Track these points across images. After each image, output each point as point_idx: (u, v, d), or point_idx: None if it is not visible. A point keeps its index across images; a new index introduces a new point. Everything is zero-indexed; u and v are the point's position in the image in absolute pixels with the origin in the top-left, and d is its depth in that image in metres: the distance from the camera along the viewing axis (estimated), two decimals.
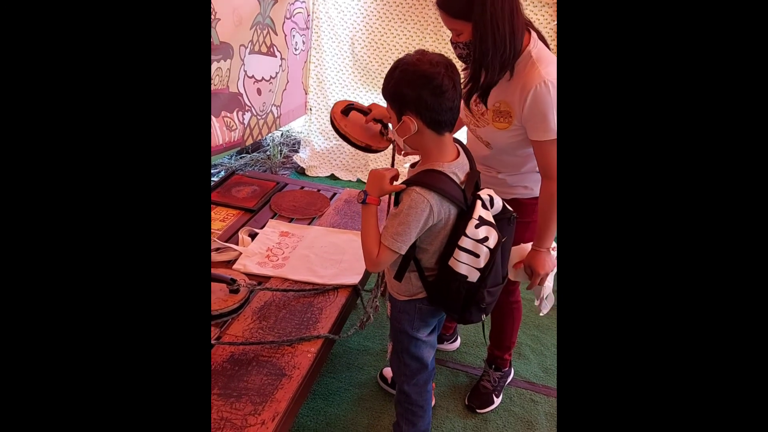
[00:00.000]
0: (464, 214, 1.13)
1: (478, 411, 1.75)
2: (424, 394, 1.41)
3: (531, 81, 1.20)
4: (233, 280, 1.43)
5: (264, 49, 2.54)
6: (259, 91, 2.57)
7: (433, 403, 1.76)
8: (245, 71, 2.40)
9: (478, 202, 1.13)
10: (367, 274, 1.65)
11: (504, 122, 1.30)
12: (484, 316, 1.25)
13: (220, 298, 1.42)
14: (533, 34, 1.26)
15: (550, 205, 1.29)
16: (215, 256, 1.63)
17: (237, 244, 1.71)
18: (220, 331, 1.35)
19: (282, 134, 3.80)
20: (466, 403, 1.77)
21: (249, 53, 2.39)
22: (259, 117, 2.60)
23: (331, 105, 3.28)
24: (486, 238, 1.11)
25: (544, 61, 1.22)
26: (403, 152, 1.27)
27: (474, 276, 1.14)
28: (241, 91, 2.41)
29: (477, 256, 1.12)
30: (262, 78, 2.58)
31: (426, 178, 1.12)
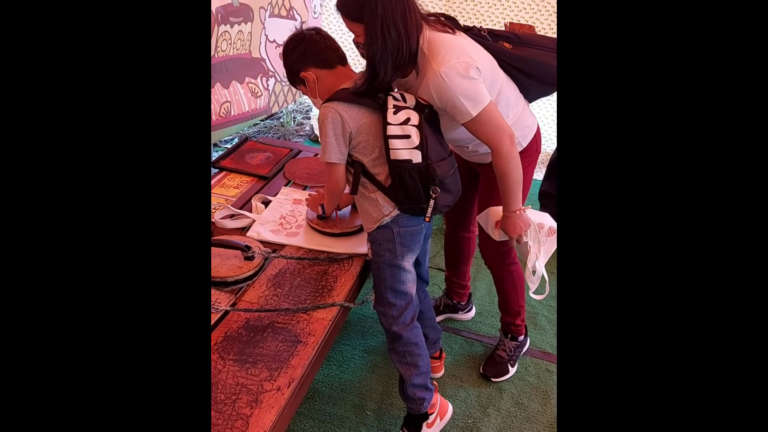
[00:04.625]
0: (382, 110, 1.25)
1: (492, 380, 1.75)
2: (414, 330, 1.41)
3: (429, 77, 1.24)
4: (248, 247, 1.42)
5: (284, 12, 2.47)
6: (281, 56, 2.51)
7: (442, 372, 1.76)
8: (266, 35, 2.34)
9: (390, 96, 1.25)
10: None
11: None
12: (452, 198, 1.32)
13: (235, 265, 1.41)
14: (425, 27, 1.25)
15: (501, 174, 1.32)
16: (229, 223, 1.62)
17: (250, 211, 1.70)
18: (235, 298, 1.35)
19: (295, 101, 3.75)
20: (481, 371, 1.77)
21: (269, 16, 2.32)
22: (283, 83, 2.55)
23: None
24: (408, 119, 1.23)
25: (434, 51, 1.23)
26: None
27: (416, 156, 1.24)
28: (264, 56, 2.36)
29: (408, 137, 1.23)
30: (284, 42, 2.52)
31: (332, 96, 1.27)
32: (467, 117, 1.25)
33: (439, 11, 1.38)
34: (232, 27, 2.06)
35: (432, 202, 1.28)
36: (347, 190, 1.41)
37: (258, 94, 2.33)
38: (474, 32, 1.39)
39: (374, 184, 1.31)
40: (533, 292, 1.53)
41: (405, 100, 1.26)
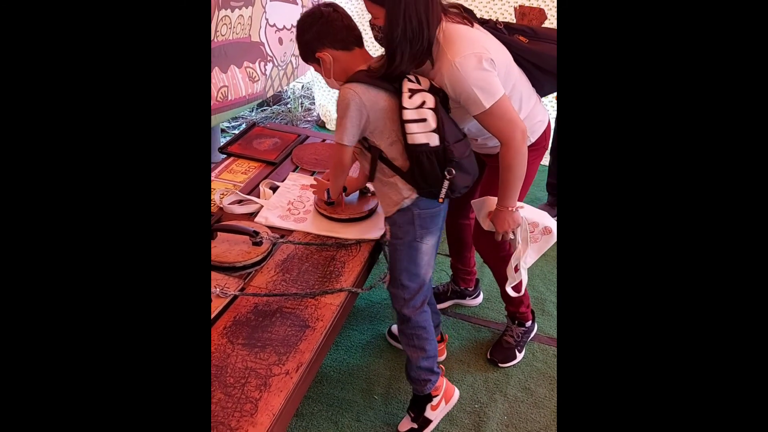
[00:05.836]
0: (397, 94, 1.23)
1: (500, 365, 1.75)
2: (424, 315, 1.43)
3: (444, 67, 1.23)
4: (256, 233, 1.43)
5: None
6: (280, 41, 2.48)
7: (444, 356, 1.77)
8: (267, 19, 2.31)
9: (405, 80, 1.23)
10: None
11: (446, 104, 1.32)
12: (470, 179, 1.32)
13: (243, 250, 1.42)
14: (443, 19, 1.24)
15: (506, 168, 1.31)
16: (237, 209, 1.63)
17: (258, 196, 1.70)
18: (243, 283, 1.35)
19: (302, 86, 3.73)
20: (488, 357, 1.77)
21: (270, 0, 2.30)
22: (279, 68, 2.53)
23: None
24: (423, 102, 1.22)
25: (449, 41, 1.22)
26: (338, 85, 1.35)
27: (434, 140, 1.23)
28: (263, 40, 2.34)
29: (424, 120, 1.21)
30: (284, 26, 2.49)
31: (351, 77, 1.25)
32: (480, 109, 1.23)
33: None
34: (232, 11, 2.04)
35: (447, 183, 1.27)
36: (353, 171, 1.40)
37: (255, 79, 2.32)
38: (490, 25, 1.38)
39: (392, 168, 1.30)
40: (508, 286, 1.56)
41: (419, 83, 1.25)
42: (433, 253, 1.42)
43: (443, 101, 1.28)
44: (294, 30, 2.58)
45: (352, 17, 1.31)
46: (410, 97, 1.21)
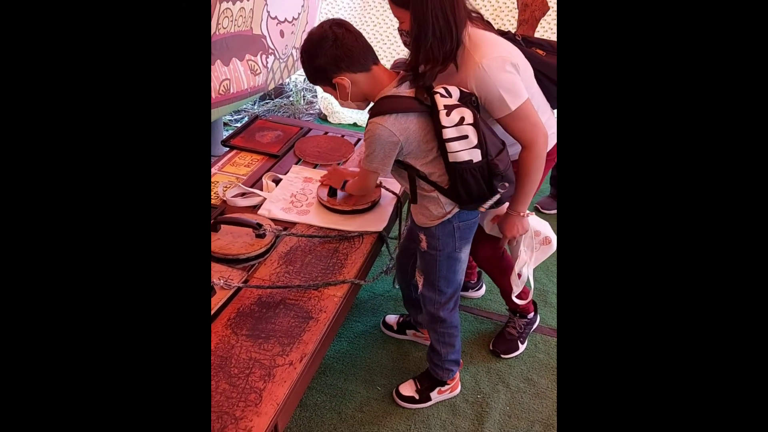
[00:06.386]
0: (432, 113, 1.18)
1: (502, 356, 1.76)
2: (455, 314, 1.49)
3: (470, 70, 1.21)
4: (259, 225, 1.44)
5: None
6: (282, 33, 2.48)
7: None
8: (268, 12, 2.31)
9: (437, 96, 1.18)
10: (392, 222, 1.63)
11: None
12: (507, 185, 1.26)
13: (246, 242, 1.43)
14: (468, 23, 1.23)
15: (525, 172, 1.30)
16: (240, 201, 1.63)
17: (261, 189, 1.71)
18: (247, 275, 1.36)
19: (304, 79, 3.72)
20: (491, 348, 1.78)
21: None
22: (281, 60, 2.53)
23: None
24: (462, 119, 1.16)
25: (474, 44, 1.21)
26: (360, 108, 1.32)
27: (476, 155, 1.19)
28: (265, 33, 2.33)
29: (466, 137, 1.17)
30: (285, 19, 2.49)
31: (378, 108, 1.20)
32: (505, 111, 1.21)
33: None
34: (234, 4, 2.03)
35: (498, 196, 1.25)
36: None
37: (257, 72, 2.31)
38: (508, 36, 1.38)
39: (431, 184, 1.26)
40: (513, 295, 1.58)
41: (451, 95, 1.19)
42: (467, 258, 1.43)
43: (476, 106, 1.23)
44: (295, 23, 2.59)
45: (352, 15, 1.29)
46: (448, 114, 1.16)
